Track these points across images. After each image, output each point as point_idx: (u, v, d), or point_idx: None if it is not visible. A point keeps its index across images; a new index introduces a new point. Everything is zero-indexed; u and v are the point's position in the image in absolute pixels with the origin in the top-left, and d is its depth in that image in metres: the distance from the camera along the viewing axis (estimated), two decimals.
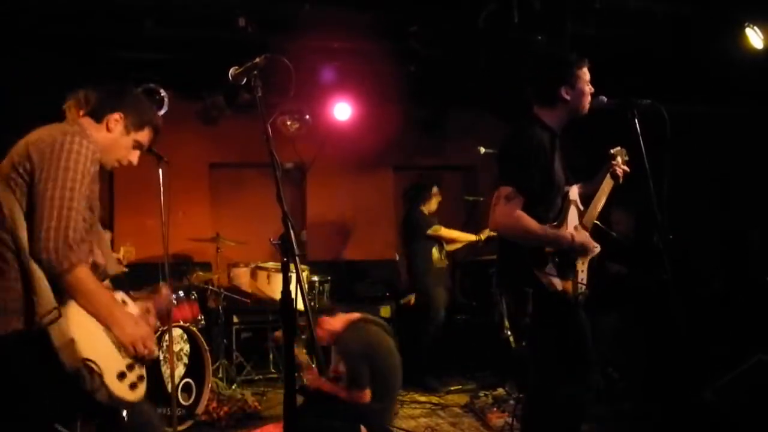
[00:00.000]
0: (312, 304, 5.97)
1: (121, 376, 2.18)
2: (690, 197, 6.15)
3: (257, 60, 2.32)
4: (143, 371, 2.30)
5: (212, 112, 6.79)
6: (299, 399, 4.07)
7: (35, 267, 2.08)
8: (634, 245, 5.48)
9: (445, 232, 6.18)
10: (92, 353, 2.09)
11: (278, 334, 4.81)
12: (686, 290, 5.51)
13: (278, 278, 5.39)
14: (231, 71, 2.38)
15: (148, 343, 2.25)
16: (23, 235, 2.11)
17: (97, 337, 2.15)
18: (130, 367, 2.23)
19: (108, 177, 6.96)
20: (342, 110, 7.03)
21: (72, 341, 2.05)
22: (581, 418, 3.14)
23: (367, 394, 4.07)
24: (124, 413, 2.25)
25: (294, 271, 2.19)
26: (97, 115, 2.40)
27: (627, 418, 4.48)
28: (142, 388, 2.27)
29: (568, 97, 2.97)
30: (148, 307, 2.50)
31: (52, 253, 2.04)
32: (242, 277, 5.85)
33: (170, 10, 5.10)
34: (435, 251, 6.15)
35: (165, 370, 4.36)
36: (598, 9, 4.95)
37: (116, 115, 2.41)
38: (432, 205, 6.29)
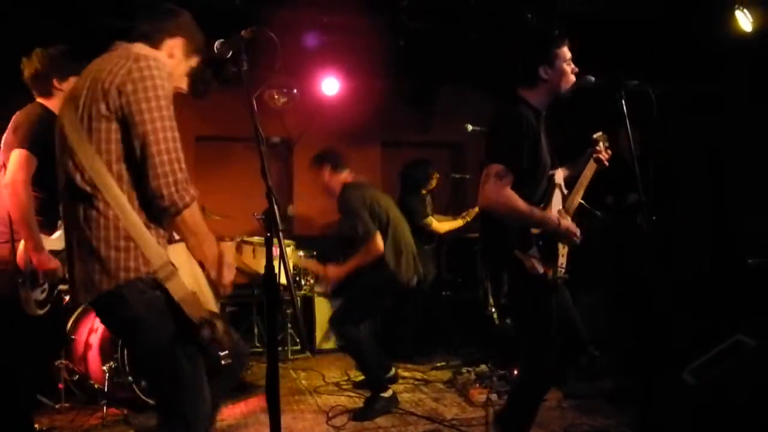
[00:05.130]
0: (296, 279, 5.98)
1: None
2: (679, 177, 6.19)
3: (243, 33, 2.29)
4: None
5: (199, 85, 6.71)
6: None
7: (131, 214, 2.00)
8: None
9: (436, 225, 6.14)
10: (209, 303, 2.10)
11: None
12: (671, 270, 5.58)
13: (263, 253, 5.39)
14: (216, 44, 2.35)
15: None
16: (109, 182, 1.99)
17: (203, 284, 2.14)
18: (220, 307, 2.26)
19: None
20: (330, 85, 6.98)
21: (194, 294, 2.03)
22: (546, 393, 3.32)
23: (378, 238, 4.41)
24: (225, 354, 2.27)
25: (278, 246, 2.19)
26: (153, 41, 2.26)
27: (607, 396, 4.53)
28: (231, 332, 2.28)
29: (546, 77, 2.97)
30: None
31: (172, 188, 1.98)
32: (227, 251, 5.81)
33: None
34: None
35: None
36: None
37: (177, 41, 2.30)
38: (431, 186, 6.26)
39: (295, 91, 6.96)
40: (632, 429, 3.85)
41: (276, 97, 6.93)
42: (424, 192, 6.22)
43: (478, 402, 4.50)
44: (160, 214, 2.05)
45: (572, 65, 3.03)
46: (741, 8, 5.02)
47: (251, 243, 5.66)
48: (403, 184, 6.34)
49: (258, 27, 2.31)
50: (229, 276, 2.24)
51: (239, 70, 2.32)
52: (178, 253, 2.12)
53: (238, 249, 5.69)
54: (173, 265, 2.04)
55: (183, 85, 2.39)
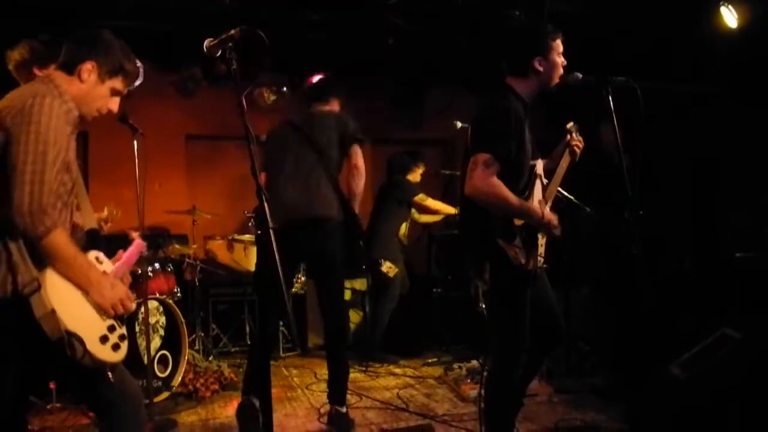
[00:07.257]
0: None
1: (104, 339, 2.18)
2: (665, 176, 6.24)
3: (232, 32, 2.30)
4: (124, 330, 2.31)
5: (189, 84, 6.73)
6: None
7: (12, 235, 2.07)
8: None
9: (431, 201, 6.19)
10: (74, 322, 2.09)
11: None
12: (658, 267, 5.63)
13: (255, 250, 5.39)
14: (206, 43, 2.35)
15: (126, 303, 2.26)
16: None
17: (77, 304, 2.15)
18: (111, 329, 2.23)
19: (83, 147, 6.89)
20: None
21: (53, 312, 2.06)
22: (527, 383, 3.36)
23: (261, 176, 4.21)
24: (110, 375, 2.26)
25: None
26: (69, 67, 2.33)
27: (597, 391, 4.57)
28: (124, 348, 2.28)
29: (540, 68, 2.97)
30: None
31: (26, 217, 2.02)
32: (219, 249, 5.85)
33: None
34: (404, 226, 6.17)
35: (141, 342, 4.36)
36: None
37: (88, 65, 2.34)
38: (415, 177, 6.29)
39: (285, 89, 6.96)
40: (622, 423, 3.89)
41: (266, 94, 6.94)
42: (410, 178, 6.25)
43: (469, 397, 4.53)
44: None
45: (563, 58, 3.05)
46: (726, 4, 5.06)
47: (242, 241, 5.68)
48: (391, 166, 6.37)
49: (247, 26, 2.32)
50: (106, 300, 2.21)
51: (229, 68, 2.33)
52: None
53: (229, 247, 5.72)
54: (38, 282, 2.07)
55: (109, 105, 2.44)
